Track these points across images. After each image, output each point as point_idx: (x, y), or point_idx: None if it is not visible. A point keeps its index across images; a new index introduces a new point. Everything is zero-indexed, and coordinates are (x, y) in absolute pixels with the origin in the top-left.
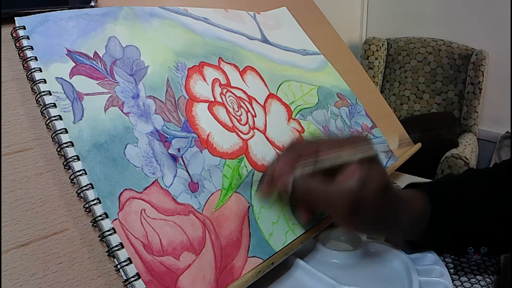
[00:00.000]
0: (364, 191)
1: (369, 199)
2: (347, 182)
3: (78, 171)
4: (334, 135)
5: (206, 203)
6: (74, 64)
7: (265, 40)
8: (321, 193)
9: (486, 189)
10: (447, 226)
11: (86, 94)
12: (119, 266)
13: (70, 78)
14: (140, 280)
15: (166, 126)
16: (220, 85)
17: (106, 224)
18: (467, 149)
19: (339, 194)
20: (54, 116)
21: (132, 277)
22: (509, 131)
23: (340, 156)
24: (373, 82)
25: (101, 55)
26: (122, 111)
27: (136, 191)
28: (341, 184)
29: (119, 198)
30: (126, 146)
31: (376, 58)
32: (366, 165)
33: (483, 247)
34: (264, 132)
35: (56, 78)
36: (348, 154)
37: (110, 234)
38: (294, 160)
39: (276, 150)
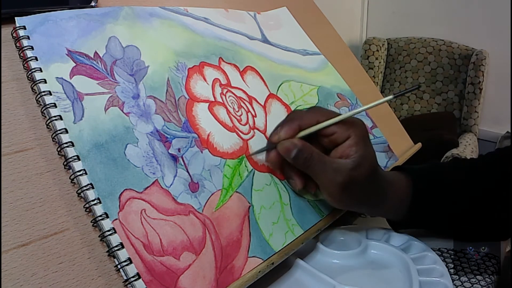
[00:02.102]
0: (357, 171)
1: (361, 178)
2: (344, 160)
3: (78, 171)
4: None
5: (206, 203)
6: (74, 64)
7: (265, 40)
8: (320, 164)
9: (466, 176)
10: (426, 210)
11: (87, 94)
12: (119, 266)
13: (71, 78)
14: (140, 280)
15: (166, 126)
16: (221, 85)
17: (106, 224)
18: (467, 149)
19: (335, 169)
20: (54, 116)
21: (132, 277)
22: (509, 131)
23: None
24: (373, 82)
25: (101, 55)
26: (122, 111)
27: (136, 191)
28: (338, 161)
29: (119, 198)
30: (126, 146)
31: (376, 58)
32: (361, 146)
33: (483, 247)
34: (264, 132)
35: (57, 78)
36: (344, 115)
37: (110, 234)
38: (296, 128)
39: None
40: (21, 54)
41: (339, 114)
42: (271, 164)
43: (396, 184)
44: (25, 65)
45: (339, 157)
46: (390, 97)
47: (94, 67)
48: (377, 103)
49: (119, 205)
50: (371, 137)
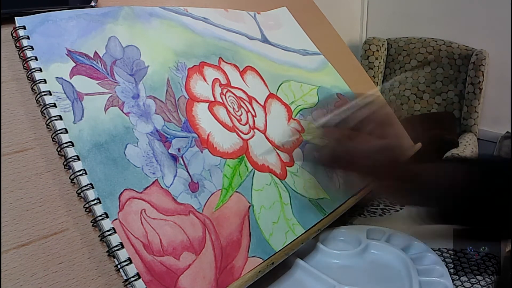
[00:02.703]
0: (398, 148)
1: (403, 155)
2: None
3: (78, 171)
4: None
5: (206, 203)
6: (74, 64)
7: (265, 40)
8: (372, 147)
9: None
10: (476, 201)
11: (86, 94)
12: (119, 266)
13: (70, 78)
14: (140, 280)
15: (166, 126)
16: (220, 85)
17: (106, 224)
18: (467, 149)
19: (384, 145)
20: (54, 116)
21: (132, 277)
22: (509, 131)
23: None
24: (373, 82)
25: (101, 55)
26: (122, 111)
27: (136, 191)
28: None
29: (119, 198)
30: (126, 146)
31: (376, 58)
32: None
33: (483, 247)
34: (264, 132)
35: (56, 78)
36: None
37: (110, 234)
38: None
39: (276, 149)
40: (21, 54)
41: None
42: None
43: (449, 172)
44: (25, 65)
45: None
46: None
47: (94, 67)
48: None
49: (119, 205)
50: None
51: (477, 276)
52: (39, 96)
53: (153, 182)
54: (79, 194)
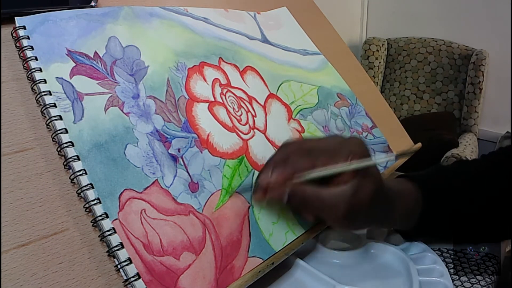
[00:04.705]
0: (358, 195)
1: (363, 204)
2: (341, 188)
3: (78, 171)
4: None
5: (206, 203)
6: (74, 64)
7: (265, 40)
8: (316, 200)
9: (474, 178)
10: (439, 217)
11: (86, 94)
12: (119, 266)
13: (70, 78)
14: (140, 280)
15: (166, 126)
16: (220, 85)
17: (106, 224)
18: (467, 149)
19: (335, 202)
20: (54, 116)
21: (132, 277)
22: (509, 131)
23: (335, 167)
24: (373, 82)
25: (101, 55)
26: (122, 111)
27: (136, 191)
28: (335, 190)
29: (119, 198)
30: (126, 146)
31: (376, 58)
32: (360, 171)
33: (483, 247)
34: (264, 132)
35: (56, 78)
36: (343, 166)
37: (110, 234)
38: (289, 175)
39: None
40: (21, 54)
41: (338, 156)
42: (256, 204)
43: (404, 193)
44: (25, 65)
45: (338, 183)
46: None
47: (94, 67)
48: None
49: (119, 205)
50: (371, 137)
51: (477, 276)
52: (39, 96)
53: (153, 182)
54: (79, 194)
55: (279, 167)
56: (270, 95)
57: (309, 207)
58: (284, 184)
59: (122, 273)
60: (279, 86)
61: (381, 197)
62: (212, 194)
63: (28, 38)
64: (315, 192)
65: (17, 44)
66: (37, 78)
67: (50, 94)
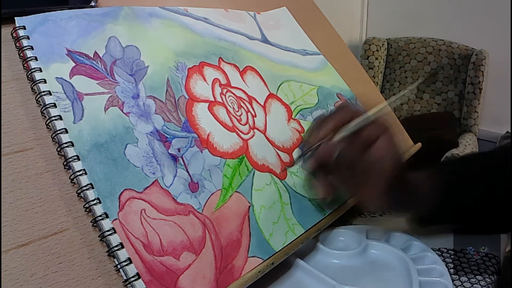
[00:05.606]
0: (392, 171)
1: (395, 178)
2: (384, 159)
3: (78, 171)
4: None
5: (206, 203)
6: (74, 64)
7: (265, 40)
8: (363, 162)
9: (489, 169)
10: (453, 202)
11: (86, 94)
12: (119, 266)
13: (70, 78)
14: (140, 280)
15: (166, 126)
16: (220, 85)
17: (106, 224)
18: (467, 149)
19: (377, 165)
20: (54, 116)
21: (132, 277)
22: (509, 131)
23: (370, 114)
24: (373, 82)
25: (101, 55)
26: (122, 111)
27: (136, 191)
28: (381, 159)
29: (119, 198)
30: (126, 146)
31: (376, 58)
32: (392, 146)
33: (483, 247)
34: (264, 132)
35: (56, 78)
36: (374, 113)
37: (110, 234)
38: (334, 127)
39: (276, 150)
40: (21, 54)
41: (365, 112)
42: (309, 169)
43: (421, 180)
44: (25, 65)
45: (373, 158)
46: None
47: (94, 67)
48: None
49: (119, 205)
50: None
51: (477, 276)
52: (39, 96)
53: (153, 182)
54: (79, 194)
55: (322, 127)
56: (270, 95)
57: (355, 168)
58: (332, 137)
59: (122, 273)
60: (279, 86)
61: (405, 177)
62: (212, 194)
63: (28, 38)
64: (363, 155)
65: (17, 44)
66: (37, 78)
67: (50, 94)
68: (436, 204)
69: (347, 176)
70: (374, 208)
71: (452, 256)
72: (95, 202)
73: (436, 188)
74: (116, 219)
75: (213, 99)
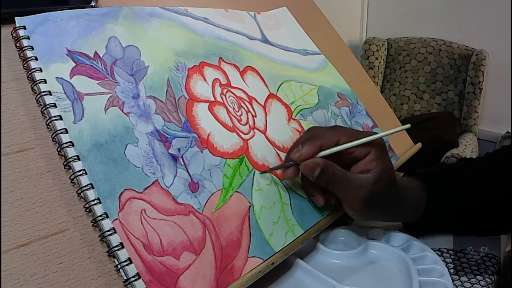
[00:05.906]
0: (378, 185)
1: (382, 191)
2: (365, 175)
3: (78, 171)
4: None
5: (206, 203)
6: (74, 64)
7: (265, 40)
8: (343, 181)
9: (476, 175)
10: (440, 210)
11: (87, 94)
12: (119, 266)
13: (71, 78)
14: (140, 280)
15: (166, 126)
16: (221, 85)
17: (106, 224)
18: (467, 149)
19: (358, 186)
20: (54, 116)
21: (132, 277)
22: (509, 131)
23: (358, 140)
24: (373, 82)
25: (101, 55)
26: (122, 111)
27: (136, 191)
28: (360, 177)
29: (119, 198)
30: (126, 146)
31: (376, 58)
32: (381, 160)
33: (483, 247)
34: (264, 132)
35: (57, 78)
36: (365, 138)
37: (110, 234)
38: (318, 146)
39: (277, 150)
40: (21, 54)
41: (360, 133)
42: (289, 180)
43: (411, 189)
44: (25, 65)
45: (360, 172)
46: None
47: (94, 67)
48: (396, 130)
49: (119, 205)
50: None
51: (477, 276)
52: (39, 96)
53: (153, 182)
54: (79, 194)
55: (308, 143)
56: (270, 95)
57: (336, 185)
58: (315, 156)
59: (122, 273)
60: (279, 86)
61: (394, 189)
62: (212, 194)
63: (28, 38)
64: (344, 173)
65: (17, 44)
66: (37, 78)
67: (50, 94)
68: (427, 213)
69: (326, 190)
70: (360, 219)
71: (452, 256)
72: (95, 202)
73: (427, 197)
74: (116, 219)
75: (213, 99)
